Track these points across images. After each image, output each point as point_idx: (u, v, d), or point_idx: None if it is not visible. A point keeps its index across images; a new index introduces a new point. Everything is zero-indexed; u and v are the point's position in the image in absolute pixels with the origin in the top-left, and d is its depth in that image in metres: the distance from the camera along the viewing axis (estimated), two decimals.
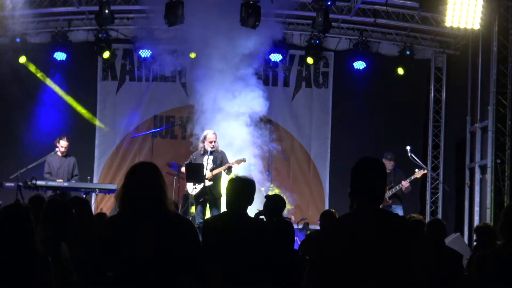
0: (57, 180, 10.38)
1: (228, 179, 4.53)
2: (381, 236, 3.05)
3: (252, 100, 11.86)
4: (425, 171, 10.81)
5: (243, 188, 4.39)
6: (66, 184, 10.30)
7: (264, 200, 5.98)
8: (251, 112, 11.85)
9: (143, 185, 3.51)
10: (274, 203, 5.92)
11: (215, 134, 10.05)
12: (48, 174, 10.60)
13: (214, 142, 9.88)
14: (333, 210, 6.65)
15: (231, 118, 11.66)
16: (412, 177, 10.45)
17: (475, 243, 7.04)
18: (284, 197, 6.77)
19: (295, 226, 9.64)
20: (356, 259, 3.00)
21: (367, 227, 3.07)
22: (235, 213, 4.34)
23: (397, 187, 10.49)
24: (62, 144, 10.65)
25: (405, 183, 10.40)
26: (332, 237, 3.14)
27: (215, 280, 4.05)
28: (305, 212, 12.38)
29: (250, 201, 4.41)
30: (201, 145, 10.05)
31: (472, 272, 3.65)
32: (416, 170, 10.58)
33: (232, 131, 11.53)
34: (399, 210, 10.36)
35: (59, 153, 10.70)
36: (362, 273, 2.99)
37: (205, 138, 9.98)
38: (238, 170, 9.96)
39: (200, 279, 3.65)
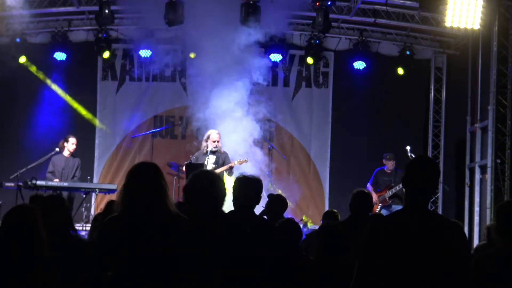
0: (54, 180, 10.33)
1: (235, 178, 4.52)
2: (428, 235, 3.09)
3: (252, 100, 11.87)
4: None
5: (250, 187, 4.38)
6: (66, 184, 10.26)
7: (266, 199, 5.96)
8: (251, 111, 11.85)
9: (144, 185, 3.51)
10: (277, 203, 5.90)
11: (219, 134, 10.05)
12: (50, 173, 10.51)
13: (218, 141, 9.88)
14: (335, 210, 6.67)
15: (231, 117, 11.65)
16: None
17: (482, 243, 7.01)
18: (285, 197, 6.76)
19: None
20: (404, 257, 3.03)
21: (416, 226, 3.10)
22: (243, 212, 4.34)
23: (397, 187, 10.52)
24: (73, 141, 10.56)
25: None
26: (382, 234, 3.16)
27: (220, 280, 4.04)
28: (305, 212, 12.37)
29: (257, 200, 4.41)
30: (204, 144, 10.06)
31: (473, 272, 3.63)
32: None
33: (232, 131, 11.52)
34: None
35: (66, 153, 10.61)
36: (411, 270, 3.02)
37: (208, 137, 9.99)
38: (239, 171, 9.96)
39: (202, 279, 3.64)
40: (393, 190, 10.59)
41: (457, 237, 3.14)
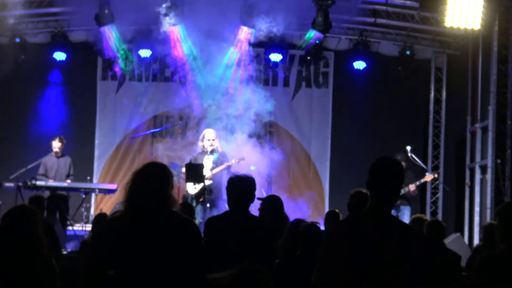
0: (49, 181, 10.31)
1: (228, 179, 4.55)
2: (387, 241, 3.08)
3: (252, 100, 11.87)
4: (436, 175, 10.84)
5: (243, 187, 4.40)
6: (66, 184, 10.25)
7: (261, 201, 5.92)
8: (251, 111, 11.85)
9: (146, 185, 3.49)
10: (271, 203, 5.88)
11: (214, 132, 10.03)
12: (41, 175, 10.48)
13: (213, 140, 9.86)
14: (337, 211, 6.65)
15: (232, 117, 11.66)
16: (422, 180, 10.41)
17: (481, 243, 7.00)
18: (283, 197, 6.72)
19: None
20: (363, 261, 3.02)
21: (376, 231, 3.09)
22: (238, 212, 4.35)
23: (406, 189, 10.49)
24: (55, 145, 10.55)
25: (411, 187, 10.38)
26: (341, 238, 3.15)
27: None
28: (305, 212, 12.37)
29: (251, 199, 4.44)
30: (200, 144, 10.05)
31: (476, 272, 3.63)
32: (427, 173, 10.60)
33: (232, 131, 11.52)
34: (406, 211, 10.39)
35: (53, 154, 10.64)
36: (368, 275, 3.01)
37: (203, 136, 9.98)
38: (238, 170, 9.95)
39: (203, 279, 3.64)
40: (402, 191, 10.56)
41: (419, 246, 3.14)
